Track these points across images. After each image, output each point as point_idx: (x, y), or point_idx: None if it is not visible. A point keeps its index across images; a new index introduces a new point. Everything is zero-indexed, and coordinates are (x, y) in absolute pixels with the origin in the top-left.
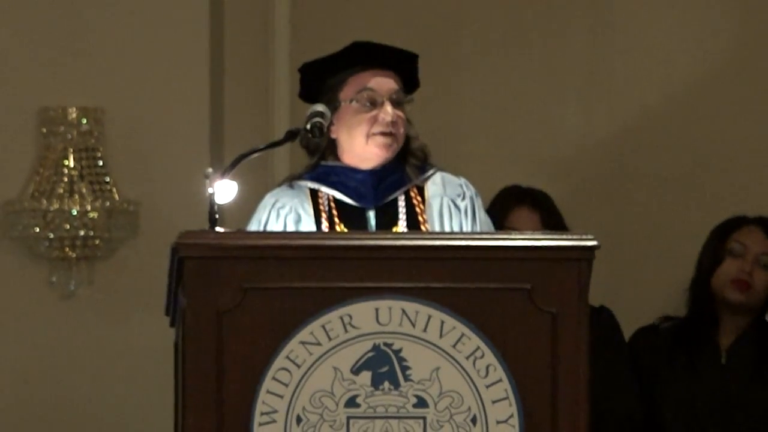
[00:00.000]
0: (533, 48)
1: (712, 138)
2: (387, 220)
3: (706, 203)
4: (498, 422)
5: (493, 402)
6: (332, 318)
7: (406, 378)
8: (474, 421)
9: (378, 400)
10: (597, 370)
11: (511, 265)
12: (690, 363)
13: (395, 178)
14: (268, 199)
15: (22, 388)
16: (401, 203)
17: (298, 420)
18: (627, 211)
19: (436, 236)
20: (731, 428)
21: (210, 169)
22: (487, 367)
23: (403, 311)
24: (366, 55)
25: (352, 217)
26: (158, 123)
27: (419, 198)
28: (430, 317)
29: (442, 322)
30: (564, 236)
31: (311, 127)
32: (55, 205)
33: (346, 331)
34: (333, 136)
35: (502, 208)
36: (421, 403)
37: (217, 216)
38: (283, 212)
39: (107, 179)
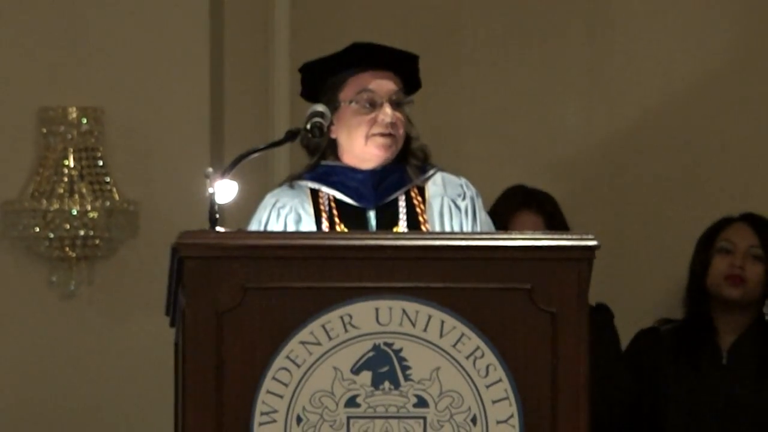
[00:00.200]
0: (533, 48)
1: (712, 138)
2: (387, 220)
3: (706, 203)
4: (498, 422)
5: (493, 402)
6: (332, 318)
7: (407, 378)
8: (474, 421)
9: (378, 400)
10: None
11: (511, 265)
12: (691, 364)
13: (395, 178)
14: (269, 199)
15: (22, 388)
16: (402, 203)
17: (298, 420)
18: (627, 211)
19: (436, 236)
20: (733, 428)
21: (210, 169)
22: (487, 367)
23: (404, 311)
24: (365, 56)
25: (353, 217)
26: (158, 123)
27: (420, 198)
28: (430, 317)
29: (442, 322)
30: (564, 236)
31: (311, 127)
32: (55, 205)
33: (346, 330)
34: (333, 136)
35: (507, 211)
36: (422, 402)
37: (217, 216)
38: (283, 212)
39: (107, 179)
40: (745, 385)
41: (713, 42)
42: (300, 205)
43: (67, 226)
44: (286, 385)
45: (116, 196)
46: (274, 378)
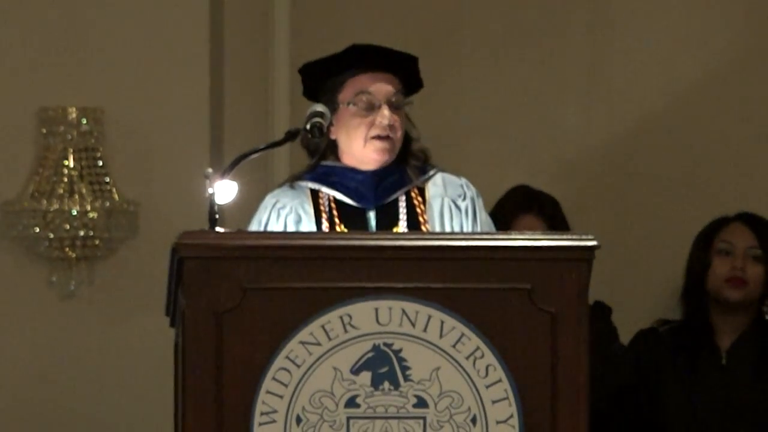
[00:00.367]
0: (533, 48)
1: (712, 138)
2: (387, 220)
3: (706, 203)
4: (498, 422)
5: (493, 402)
6: (332, 318)
7: (406, 378)
8: (474, 421)
9: (378, 401)
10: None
11: (511, 265)
12: (691, 365)
13: (395, 178)
14: (269, 199)
15: (22, 388)
16: (402, 204)
17: (298, 420)
18: (627, 211)
19: (436, 236)
20: (733, 429)
21: (210, 169)
22: (487, 367)
23: (403, 311)
24: (364, 58)
25: (353, 218)
26: (158, 123)
27: (420, 198)
28: (430, 317)
29: (442, 322)
30: (564, 236)
31: (311, 127)
32: (55, 205)
33: (345, 331)
34: (333, 137)
35: (509, 213)
36: (421, 403)
37: (217, 216)
38: (283, 212)
39: (107, 179)
40: (744, 386)
41: (713, 42)
42: (300, 205)
43: (67, 226)
44: (285, 385)
45: (116, 196)
46: (273, 378)
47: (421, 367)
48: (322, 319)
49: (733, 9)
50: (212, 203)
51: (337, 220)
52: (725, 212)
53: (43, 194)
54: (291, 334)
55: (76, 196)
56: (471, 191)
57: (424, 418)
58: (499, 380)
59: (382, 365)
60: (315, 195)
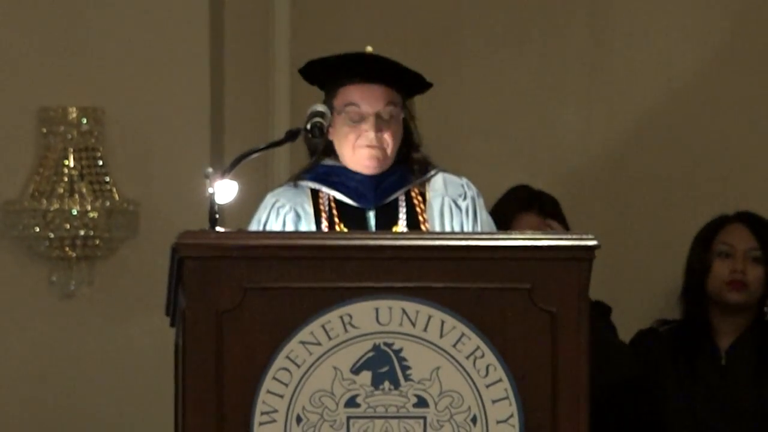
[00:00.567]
0: (533, 48)
1: (712, 138)
2: (387, 220)
3: (706, 203)
4: (498, 422)
5: (493, 402)
6: (332, 318)
7: (407, 378)
8: (474, 420)
9: (378, 400)
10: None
11: (511, 265)
12: (690, 365)
13: (395, 178)
14: (269, 198)
15: (22, 387)
16: (401, 203)
17: (298, 420)
18: (627, 211)
19: (436, 236)
20: (733, 429)
21: (210, 169)
22: (487, 367)
23: (403, 311)
24: (354, 69)
25: (352, 218)
26: (158, 123)
27: (420, 198)
28: (430, 317)
29: (443, 322)
30: (564, 236)
31: (311, 127)
32: (55, 205)
33: (346, 330)
34: (331, 138)
35: (510, 212)
36: (422, 402)
37: (217, 216)
38: (282, 211)
39: (107, 179)
40: (744, 386)
41: (713, 42)
42: (300, 204)
43: (67, 226)
44: (286, 384)
45: (116, 196)
46: (274, 378)
47: (421, 367)
48: (323, 319)
49: (734, 9)
50: (212, 203)
51: (336, 220)
52: (724, 212)
53: (44, 194)
54: (291, 334)
55: (77, 196)
56: (472, 191)
57: (425, 418)
58: (500, 380)
59: (383, 365)
60: (315, 194)
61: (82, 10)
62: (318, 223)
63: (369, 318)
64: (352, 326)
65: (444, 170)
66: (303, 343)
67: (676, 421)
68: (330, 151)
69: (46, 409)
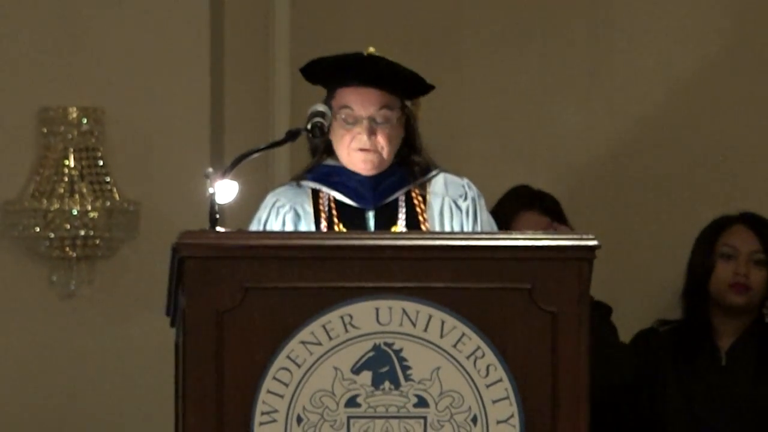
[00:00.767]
0: (533, 47)
1: (712, 138)
2: (386, 220)
3: (706, 203)
4: (498, 422)
5: (494, 402)
6: (332, 318)
7: (407, 378)
8: (474, 420)
9: (378, 400)
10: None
11: (511, 265)
12: (690, 365)
13: (395, 179)
14: (270, 198)
15: (22, 387)
16: (401, 204)
17: (299, 420)
18: (627, 211)
19: (436, 236)
20: (732, 429)
21: (210, 169)
22: (488, 367)
23: (404, 311)
24: (349, 72)
25: (352, 218)
26: (158, 123)
27: (420, 199)
28: (430, 317)
29: (443, 322)
30: (564, 236)
31: (311, 127)
32: (55, 205)
33: (346, 330)
34: (331, 138)
35: (510, 210)
36: (422, 402)
37: (217, 216)
38: (282, 211)
39: (107, 179)
40: (744, 386)
41: (713, 42)
42: (300, 204)
43: (68, 226)
44: (286, 384)
45: (116, 196)
46: (274, 378)
47: (421, 367)
48: (323, 319)
49: (734, 9)
50: (212, 203)
51: (335, 220)
52: (725, 212)
53: (44, 194)
54: (291, 334)
55: (77, 196)
56: (473, 191)
57: (425, 418)
58: (500, 380)
59: (383, 365)
60: (316, 194)
61: (82, 10)
62: (317, 222)
63: (369, 318)
64: (353, 326)
65: (446, 171)
66: (303, 342)
67: (675, 421)
68: (332, 150)
69: (46, 409)
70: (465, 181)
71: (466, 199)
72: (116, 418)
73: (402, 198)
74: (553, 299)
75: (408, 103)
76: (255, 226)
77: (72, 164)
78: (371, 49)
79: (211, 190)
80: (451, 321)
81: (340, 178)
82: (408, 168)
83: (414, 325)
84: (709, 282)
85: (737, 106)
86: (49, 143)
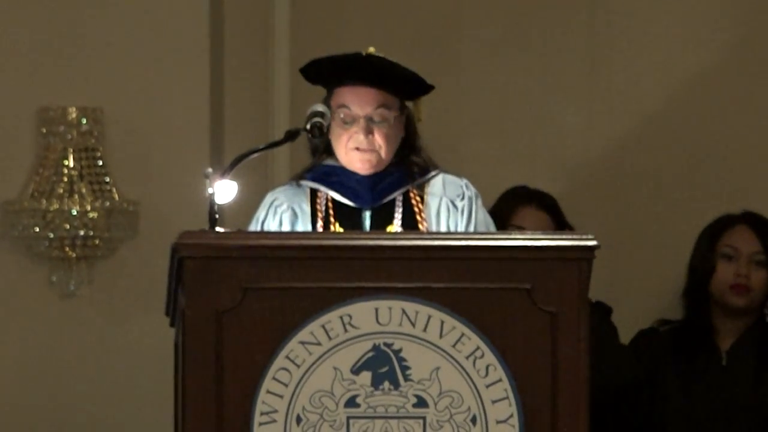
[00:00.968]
0: (533, 48)
1: (712, 138)
2: (383, 220)
3: (706, 203)
4: (498, 422)
5: (493, 402)
6: (332, 318)
7: (406, 378)
8: (474, 420)
9: (378, 400)
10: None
11: (511, 265)
12: (691, 365)
13: (393, 179)
14: (268, 197)
15: (22, 387)
16: (398, 204)
17: (298, 420)
18: (627, 211)
19: (435, 236)
20: (732, 429)
21: (210, 169)
22: (487, 367)
23: (403, 311)
24: (345, 71)
25: (348, 217)
26: (158, 123)
27: (418, 199)
28: (430, 317)
29: (442, 322)
30: (564, 236)
31: (311, 127)
32: (55, 205)
33: (346, 331)
34: (330, 137)
35: (508, 208)
36: (421, 403)
37: (217, 216)
38: (280, 210)
39: (107, 179)
40: (744, 387)
41: (713, 42)
42: (298, 204)
43: (67, 226)
44: (286, 385)
45: (116, 196)
46: (274, 378)
47: (421, 367)
48: (323, 319)
49: (734, 9)
50: (212, 203)
51: (332, 219)
52: (725, 212)
53: (43, 194)
54: (291, 334)
55: (76, 196)
56: (470, 191)
57: (424, 418)
58: (499, 380)
59: (382, 365)
60: (314, 194)
61: (82, 10)
62: (314, 222)
63: (369, 318)
64: (352, 326)
65: (446, 171)
66: (303, 343)
67: (676, 421)
68: (332, 150)
69: (46, 409)
70: (464, 181)
71: (462, 198)
72: (116, 417)
73: (399, 198)
74: (552, 299)
75: (409, 103)
76: (254, 226)
77: (71, 164)
78: (371, 49)
79: (210, 190)
80: (450, 321)
81: (339, 177)
82: (407, 168)
83: (413, 325)
84: (710, 282)
85: (737, 106)
86: (48, 143)
